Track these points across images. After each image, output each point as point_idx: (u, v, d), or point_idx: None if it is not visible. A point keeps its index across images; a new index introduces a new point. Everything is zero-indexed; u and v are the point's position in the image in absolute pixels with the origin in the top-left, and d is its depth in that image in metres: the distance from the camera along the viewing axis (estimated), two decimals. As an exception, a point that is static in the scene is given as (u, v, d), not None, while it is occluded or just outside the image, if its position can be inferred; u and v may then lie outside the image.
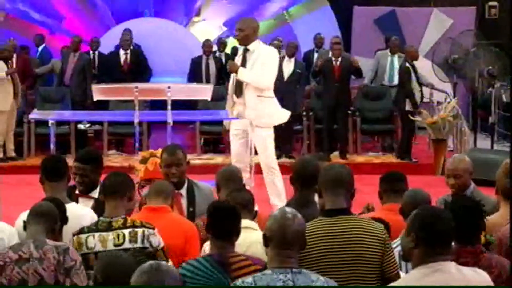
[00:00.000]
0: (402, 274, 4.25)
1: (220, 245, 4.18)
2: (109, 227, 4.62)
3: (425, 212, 3.71)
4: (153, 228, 4.63)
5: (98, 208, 5.27)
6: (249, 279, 3.64)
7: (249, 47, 8.28)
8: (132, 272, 3.44)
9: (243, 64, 8.32)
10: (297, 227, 3.72)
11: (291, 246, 3.69)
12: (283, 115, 8.69)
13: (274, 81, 8.38)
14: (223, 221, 4.21)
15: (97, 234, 4.60)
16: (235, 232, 4.23)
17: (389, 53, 13.83)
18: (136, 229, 4.60)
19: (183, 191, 5.89)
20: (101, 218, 4.71)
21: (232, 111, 8.45)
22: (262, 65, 8.22)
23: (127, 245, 4.56)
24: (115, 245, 4.56)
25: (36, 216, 4.46)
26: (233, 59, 8.57)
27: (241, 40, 8.36)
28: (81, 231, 4.65)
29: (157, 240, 4.62)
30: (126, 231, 4.60)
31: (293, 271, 3.64)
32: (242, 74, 8.25)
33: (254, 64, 8.26)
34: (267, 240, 3.72)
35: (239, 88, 8.32)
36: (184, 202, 5.85)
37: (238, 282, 3.67)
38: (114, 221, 4.64)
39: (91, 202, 5.51)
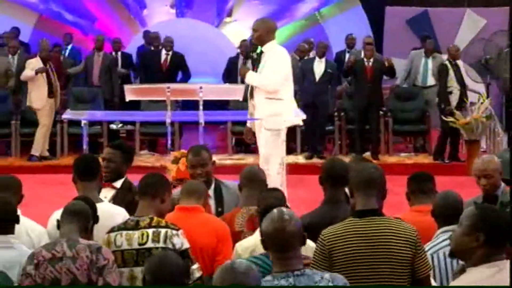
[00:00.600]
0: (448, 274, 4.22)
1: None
2: (136, 226, 4.65)
3: (491, 212, 3.67)
4: (178, 229, 4.63)
5: (117, 199, 5.31)
6: None
7: (263, 48, 8.09)
8: (180, 273, 3.47)
9: (257, 66, 8.23)
10: (292, 228, 3.69)
11: (289, 248, 3.66)
12: (292, 118, 8.27)
13: (282, 83, 7.97)
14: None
15: (124, 233, 4.64)
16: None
17: (424, 54, 13.74)
18: (160, 229, 4.61)
19: (211, 191, 5.89)
20: (131, 217, 4.76)
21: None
22: (269, 68, 7.96)
23: (149, 244, 4.58)
24: (139, 244, 4.58)
25: (70, 215, 4.49)
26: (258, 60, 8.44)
27: (255, 41, 8.24)
28: (112, 229, 4.70)
29: (180, 241, 4.61)
30: (150, 231, 4.61)
31: (295, 274, 3.61)
32: (250, 78, 8.10)
33: (263, 67, 8.07)
34: (265, 245, 3.72)
35: (251, 90, 8.25)
36: (212, 202, 5.85)
37: None
38: (141, 220, 4.66)
39: (112, 192, 5.54)
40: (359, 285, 4.03)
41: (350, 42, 14.63)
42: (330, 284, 3.66)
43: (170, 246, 4.56)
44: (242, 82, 13.36)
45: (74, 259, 4.30)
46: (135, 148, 13.04)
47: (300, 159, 12.77)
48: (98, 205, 4.85)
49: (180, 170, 7.00)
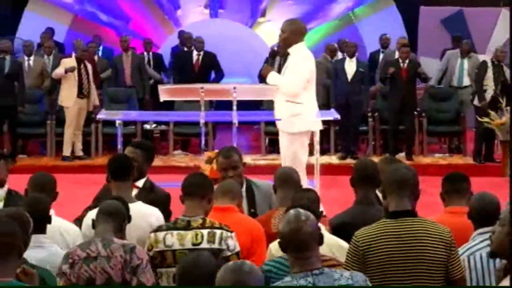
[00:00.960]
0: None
1: None
2: (187, 226, 4.64)
3: None
4: (232, 232, 4.66)
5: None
6: None
7: (289, 50, 7.96)
8: (212, 273, 3.48)
9: (282, 67, 8.17)
10: (309, 228, 3.68)
11: (307, 248, 3.65)
12: (312, 123, 8.10)
13: (302, 86, 7.81)
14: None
15: (175, 232, 4.63)
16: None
17: (459, 55, 13.64)
18: (215, 230, 4.63)
19: (243, 192, 5.87)
20: (180, 217, 4.73)
21: None
22: (291, 70, 7.85)
23: (205, 245, 4.58)
24: (193, 244, 4.59)
25: (105, 215, 4.52)
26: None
27: (281, 42, 8.10)
28: (159, 228, 4.69)
29: (234, 243, 4.63)
30: (205, 231, 4.62)
31: (313, 273, 3.59)
32: (271, 78, 8.03)
33: (286, 69, 7.99)
34: (283, 246, 3.70)
35: None
36: (244, 203, 5.84)
37: None
38: (193, 220, 4.66)
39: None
40: (393, 286, 4.02)
41: (384, 42, 14.57)
42: (350, 282, 3.64)
43: (224, 247, 4.58)
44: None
45: (109, 258, 4.32)
46: (168, 149, 13.12)
47: (333, 159, 12.75)
48: (131, 205, 4.86)
49: (214, 170, 6.99)
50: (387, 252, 4.08)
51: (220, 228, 4.64)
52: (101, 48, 15.22)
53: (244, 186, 5.93)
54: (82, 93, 12.59)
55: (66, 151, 12.68)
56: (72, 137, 12.64)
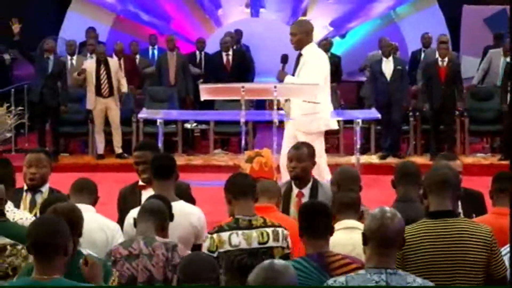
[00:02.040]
0: None
1: (316, 244, 4.18)
2: (250, 226, 4.67)
3: None
4: (288, 230, 4.70)
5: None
6: (341, 279, 3.61)
7: (302, 51, 8.02)
8: (212, 272, 3.51)
9: (295, 68, 8.14)
10: (397, 226, 3.66)
11: (390, 245, 3.63)
12: (329, 122, 8.20)
13: (320, 85, 7.90)
14: (316, 219, 4.21)
15: (240, 232, 4.65)
16: (329, 229, 4.23)
17: (502, 54, 13.50)
18: (278, 229, 4.69)
19: (306, 190, 5.92)
20: (239, 216, 4.73)
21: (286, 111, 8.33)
22: (308, 70, 7.91)
23: (271, 243, 4.64)
24: (260, 243, 4.63)
25: (147, 213, 4.54)
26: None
27: (295, 45, 8.09)
28: (221, 229, 4.69)
29: (289, 241, 4.70)
30: (269, 230, 4.67)
31: (387, 271, 3.57)
32: (288, 82, 8.09)
33: (301, 70, 8.02)
34: (366, 239, 3.69)
35: None
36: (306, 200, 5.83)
37: (330, 281, 3.64)
38: (254, 219, 4.70)
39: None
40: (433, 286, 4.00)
41: (426, 41, 14.46)
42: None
43: (285, 245, 4.66)
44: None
45: (150, 256, 4.35)
46: (209, 148, 13.17)
47: (374, 159, 12.69)
48: (174, 204, 4.88)
49: (254, 169, 7.01)
50: (428, 252, 4.06)
51: (280, 226, 4.71)
52: (155, 47, 15.24)
53: (310, 184, 5.95)
54: (101, 93, 12.66)
55: (99, 150, 12.86)
56: (102, 136, 12.81)
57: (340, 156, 12.74)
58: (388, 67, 12.67)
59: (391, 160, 12.35)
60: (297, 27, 8.12)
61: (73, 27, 15.57)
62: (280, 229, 4.68)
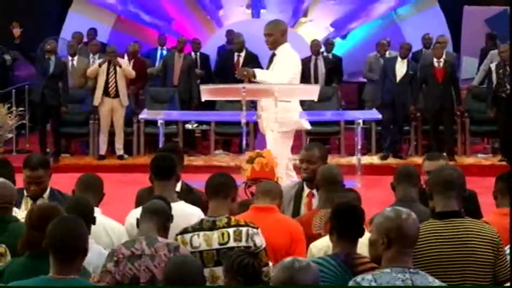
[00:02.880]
0: None
1: (345, 245, 4.18)
2: (213, 226, 4.65)
3: None
4: (257, 228, 4.65)
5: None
6: (369, 276, 3.60)
7: (276, 51, 8.07)
8: (199, 275, 3.55)
9: (268, 68, 8.15)
10: (416, 225, 3.67)
11: (410, 244, 3.64)
12: (301, 121, 8.25)
13: (291, 81, 8.01)
14: (351, 221, 4.21)
15: (201, 233, 4.64)
16: (361, 232, 4.23)
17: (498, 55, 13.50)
18: (241, 228, 4.63)
19: (316, 191, 5.91)
20: (205, 217, 4.75)
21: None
22: (280, 65, 7.99)
23: (232, 243, 4.59)
24: (220, 244, 4.59)
25: (149, 214, 4.55)
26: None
27: (270, 45, 8.14)
28: (186, 230, 4.69)
29: (260, 239, 4.63)
30: (231, 230, 4.62)
31: (410, 271, 3.58)
32: (261, 75, 8.15)
33: (274, 66, 8.07)
34: (390, 242, 3.64)
35: None
36: (315, 202, 5.85)
37: (358, 278, 3.63)
38: (218, 220, 4.67)
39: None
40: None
41: (426, 42, 14.44)
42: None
43: (251, 244, 4.58)
44: (316, 82, 13.44)
45: (153, 257, 4.35)
46: (210, 148, 13.17)
47: (375, 159, 12.68)
48: (173, 205, 4.89)
49: (255, 170, 7.01)
50: (434, 253, 4.08)
51: (246, 225, 4.64)
52: (164, 48, 15.24)
53: None
54: (108, 93, 12.66)
55: (101, 150, 12.83)
56: (106, 137, 12.79)
57: (341, 156, 12.74)
58: (401, 68, 12.64)
59: (392, 160, 12.35)
60: (273, 27, 8.15)
61: (74, 27, 15.56)
62: (244, 228, 4.61)
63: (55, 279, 3.56)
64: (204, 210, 5.54)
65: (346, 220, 4.20)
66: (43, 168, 5.48)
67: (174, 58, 13.78)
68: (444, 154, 12.33)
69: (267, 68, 8.21)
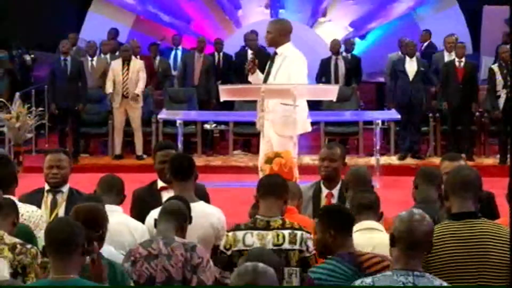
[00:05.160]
0: None
1: (344, 243, 4.17)
2: (267, 226, 4.65)
3: None
4: (310, 233, 4.63)
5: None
6: (368, 280, 3.60)
7: (277, 50, 7.95)
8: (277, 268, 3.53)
9: (270, 67, 8.13)
10: (425, 228, 3.65)
11: (417, 247, 3.62)
12: (304, 125, 8.08)
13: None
14: (341, 219, 4.21)
15: (255, 232, 4.64)
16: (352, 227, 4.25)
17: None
18: (296, 231, 4.63)
19: (335, 191, 5.91)
20: (258, 216, 4.72)
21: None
22: (294, 73, 7.83)
23: (286, 246, 4.59)
24: (274, 245, 4.59)
25: (167, 214, 4.56)
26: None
27: (268, 42, 8.10)
28: (238, 227, 4.69)
29: (312, 245, 4.60)
30: (286, 232, 4.62)
31: (415, 274, 3.56)
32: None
33: (279, 70, 7.92)
34: (394, 241, 3.67)
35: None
36: (334, 202, 5.84)
37: (357, 282, 3.64)
38: (272, 221, 4.66)
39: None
40: (457, 287, 3.98)
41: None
42: None
43: (304, 248, 4.59)
44: (336, 82, 13.42)
45: (169, 256, 4.36)
46: (228, 148, 13.18)
47: (393, 160, 12.65)
48: (193, 205, 4.89)
49: (273, 170, 7.00)
50: (450, 254, 4.05)
51: (300, 229, 4.65)
52: (180, 48, 15.26)
53: (339, 185, 5.92)
54: (122, 93, 12.71)
55: (116, 150, 12.91)
56: (121, 136, 12.86)
57: (359, 157, 12.72)
58: (411, 67, 12.62)
59: (410, 161, 12.31)
60: (273, 25, 8.02)
61: (93, 27, 15.63)
62: (299, 232, 4.62)
63: (55, 279, 3.58)
64: (207, 198, 5.56)
65: (339, 219, 4.21)
66: (65, 154, 5.62)
67: (194, 58, 13.79)
68: (463, 154, 12.37)
69: (269, 66, 8.09)
